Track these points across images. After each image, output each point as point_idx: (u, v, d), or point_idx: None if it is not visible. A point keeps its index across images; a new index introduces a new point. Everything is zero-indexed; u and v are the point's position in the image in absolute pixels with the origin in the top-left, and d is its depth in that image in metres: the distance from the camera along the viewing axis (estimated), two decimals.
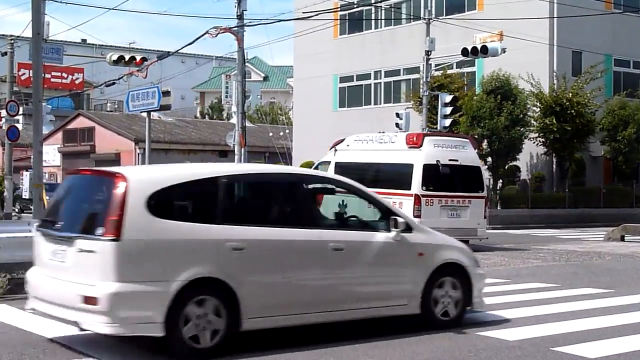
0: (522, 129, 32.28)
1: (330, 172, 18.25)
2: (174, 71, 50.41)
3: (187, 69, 57.66)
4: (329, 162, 20.90)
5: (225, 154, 44.64)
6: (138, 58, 27.24)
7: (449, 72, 34.62)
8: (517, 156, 32.97)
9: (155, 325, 7.20)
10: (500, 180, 33.76)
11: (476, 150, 20.51)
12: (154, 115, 37.10)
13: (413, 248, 8.85)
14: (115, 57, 27.03)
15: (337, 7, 37.61)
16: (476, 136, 31.15)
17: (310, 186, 8.94)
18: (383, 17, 41.18)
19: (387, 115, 34.42)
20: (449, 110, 29.29)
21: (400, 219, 8.73)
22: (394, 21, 40.23)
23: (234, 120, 27.65)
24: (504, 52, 27.72)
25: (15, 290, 11.21)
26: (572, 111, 32.20)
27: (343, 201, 11.94)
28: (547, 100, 32.68)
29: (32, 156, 15.62)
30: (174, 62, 55.40)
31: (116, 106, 63.94)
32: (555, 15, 33.85)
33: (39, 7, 15.70)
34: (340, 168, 19.52)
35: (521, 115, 32.01)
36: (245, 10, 25.52)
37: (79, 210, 8.08)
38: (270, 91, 73.29)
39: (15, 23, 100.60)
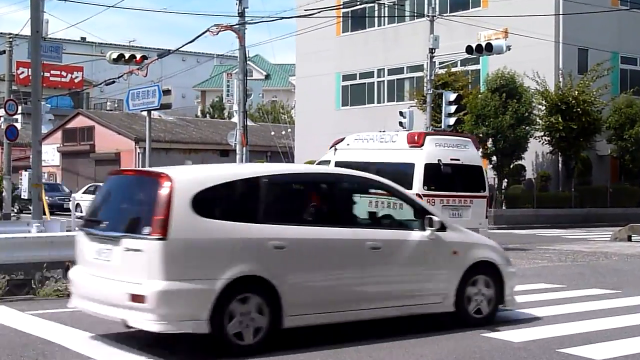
0: (527, 127, 32.19)
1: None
2: (175, 69, 50.13)
3: (188, 67, 57.49)
4: (328, 162, 20.73)
5: (226, 154, 44.51)
6: (138, 56, 27.02)
7: (453, 70, 34.48)
8: (523, 155, 32.89)
9: (200, 323, 7.37)
10: (505, 180, 33.67)
11: (480, 151, 20.28)
12: (155, 114, 36.96)
13: (447, 247, 9.05)
14: (115, 56, 26.83)
15: (340, 5, 37.57)
16: (481, 135, 31.14)
17: (347, 186, 9.11)
18: (386, 15, 41.03)
19: (390, 114, 34.20)
20: (453, 108, 29.18)
21: (435, 218, 8.93)
22: (398, 18, 40.11)
23: (235, 119, 27.47)
24: (509, 49, 27.52)
25: (14, 291, 11.26)
26: (578, 109, 32.19)
27: (371, 201, 11.90)
28: (552, 98, 32.66)
29: (31, 156, 15.65)
30: (174, 60, 55.28)
31: (116, 105, 63.81)
32: (561, 12, 33.82)
33: (37, 5, 15.65)
34: (340, 167, 19.26)
35: (526, 114, 31.94)
36: (247, 7, 25.39)
37: (123, 210, 8.31)
38: (272, 90, 72.99)
39: (14, 21, 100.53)
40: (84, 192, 37.02)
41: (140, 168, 9.51)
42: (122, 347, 7.96)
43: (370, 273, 8.47)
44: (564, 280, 13.93)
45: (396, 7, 39.48)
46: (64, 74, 51.24)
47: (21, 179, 31.57)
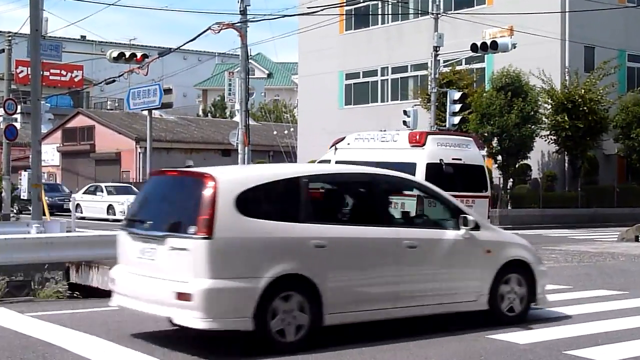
0: (533, 126, 32.09)
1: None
2: (176, 68, 49.92)
3: (189, 66, 57.31)
4: (329, 161, 20.65)
5: (228, 153, 44.39)
6: (139, 55, 26.95)
7: (458, 68, 34.40)
8: (528, 154, 32.76)
9: (245, 320, 7.53)
10: (511, 179, 33.56)
11: (485, 150, 20.03)
12: (155, 113, 36.85)
13: (481, 246, 9.23)
14: (115, 54, 26.84)
15: (343, 2, 37.45)
16: (486, 134, 31.05)
17: (385, 185, 9.35)
18: (390, 12, 40.94)
19: (394, 113, 34.00)
20: (457, 107, 29.15)
21: (470, 217, 9.11)
22: (401, 16, 39.95)
23: (237, 118, 27.35)
24: (514, 47, 27.48)
25: (14, 293, 11.28)
26: (585, 108, 32.06)
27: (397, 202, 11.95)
28: (558, 97, 32.52)
29: (30, 156, 15.83)
30: (175, 59, 55.14)
31: (116, 104, 63.73)
32: (567, 10, 33.71)
33: (37, 3, 15.70)
34: None
35: (532, 113, 31.82)
36: (249, 5, 25.32)
37: (167, 210, 8.38)
38: (275, 88, 72.75)
39: (13, 19, 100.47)
40: (84, 193, 36.86)
41: (183, 169, 9.74)
42: (123, 349, 7.98)
43: (407, 271, 8.68)
44: (571, 281, 13.85)
45: (400, 4, 39.37)
46: (63, 72, 51.10)
47: (21, 179, 31.47)
